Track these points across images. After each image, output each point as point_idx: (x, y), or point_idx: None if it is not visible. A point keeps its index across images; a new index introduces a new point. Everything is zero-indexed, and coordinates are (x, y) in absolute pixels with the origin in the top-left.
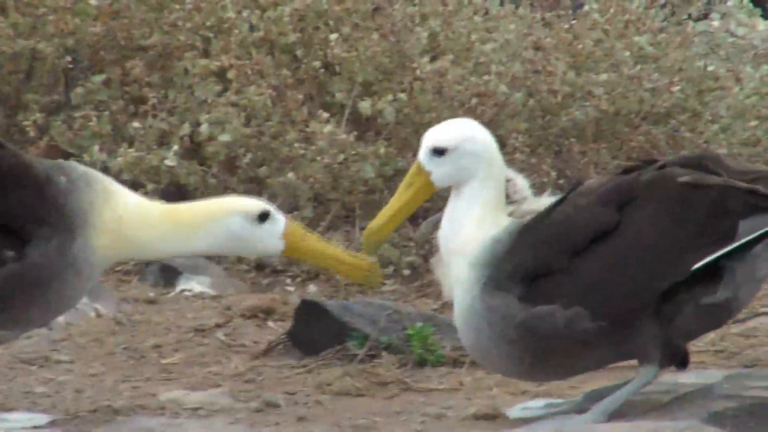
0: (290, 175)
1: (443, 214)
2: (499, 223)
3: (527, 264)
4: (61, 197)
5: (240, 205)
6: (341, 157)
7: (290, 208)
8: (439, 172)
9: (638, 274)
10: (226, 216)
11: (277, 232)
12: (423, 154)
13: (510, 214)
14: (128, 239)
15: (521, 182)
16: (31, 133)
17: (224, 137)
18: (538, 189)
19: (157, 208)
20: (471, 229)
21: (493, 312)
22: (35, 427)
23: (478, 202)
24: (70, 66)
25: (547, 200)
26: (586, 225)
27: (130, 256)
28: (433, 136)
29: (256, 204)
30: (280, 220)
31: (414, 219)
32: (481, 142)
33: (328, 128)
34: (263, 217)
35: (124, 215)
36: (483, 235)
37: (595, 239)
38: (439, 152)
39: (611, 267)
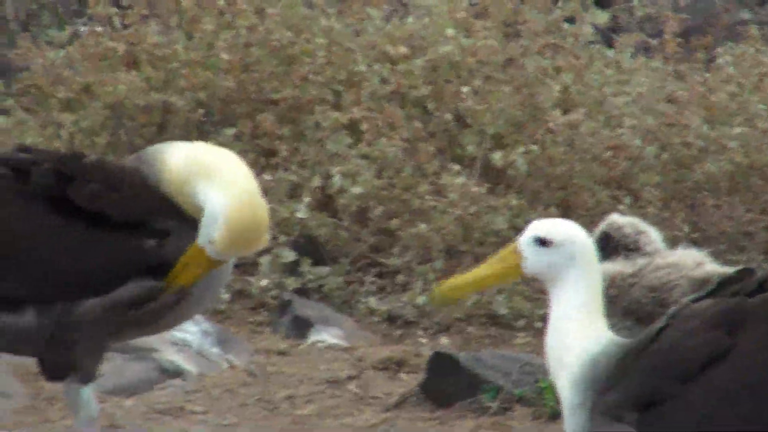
0: (420, 228)
1: None
2: (598, 335)
3: (639, 391)
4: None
5: None
6: (473, 209)
7: (422, 260)
8: (535, 260)
9: (754, 400)
10: None
11: None
12: (525, 239)
13: (642, 268)
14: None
15: (653, 235)
16: None
17: (356, 189)
18: (671, 243)
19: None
20: (569, 340)
21: None
22: None
23: (574, 308)
24: (202, 119)
25: (678, 253)
26: (697, 350)
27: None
28: (542, 226)
29: None
30: None
31: None
32: (582, 246)
33: (459, 180)
34: None
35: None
36: (581, 350)
37: (707, 364)
38: (542, 242)
39: (726, 393)
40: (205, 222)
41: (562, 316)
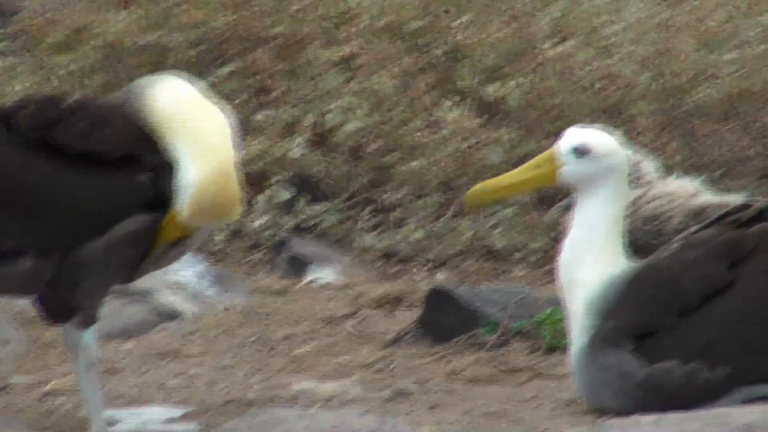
0: (416, 163)
1: (571, 200)
2: (617, 258)
3: (636, 321)
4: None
5: None
6: (467, 143)
7: (417, 196)
8: (572, 169)
9: (757, 331)
10: None
11: None
12: (563, 147)
13: (638, 199)
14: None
15: (648, 166)
16: None
17: (350, 126)
18: (666, 171)
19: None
20: (593, 260)
21: (608, 371)
22: (169, 420)
23: (604, 224)
24: (197, 57)
25: (673, 183)
26: (698, 283)
27: None
28: (581, 135)
29: None
30: None
31: (542, 204)
32: (619, 159)
33: (453, 115)
34: None
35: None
36: (601, 273)
37: (707, 297)
38: (581, 152)
39: (728, 326)
40: (177, 188)
41: (586, 230)
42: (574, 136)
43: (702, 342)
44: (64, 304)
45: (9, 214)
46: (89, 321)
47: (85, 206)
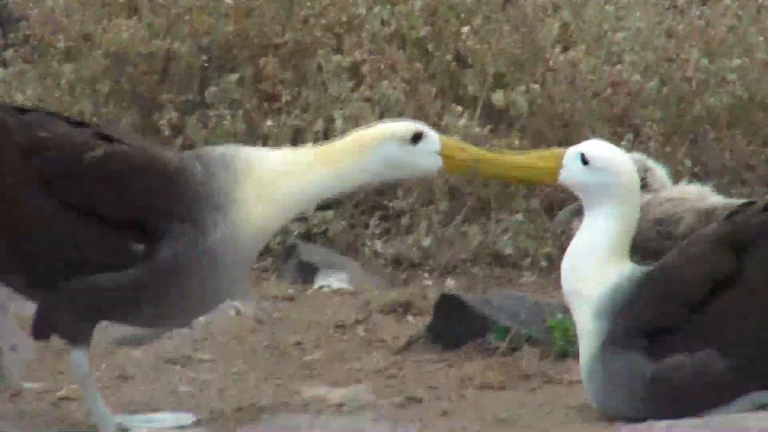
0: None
1: (578, 205)
2: (622, 266)
3: (647, 319)
4: (195, 186)
5: (391, 130)
6: None
7: (425, 202)
8: (571, 173)
9: (763, 323)
10: (378, 145)
11: (432, 149)
12: (572, 150)
13: (648, 203)
14: (280, 195)
15: (659, 172)
16: (167, 133)
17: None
18: (674, 178)
19: (306, 154)
20: (593, 271)
21: (618, 375)
22: (181, 427)
23: (605, 237)
24: (205, 65)
25: (683, 188)
26: (704, 275)
27: (287, 214)
28: (591, 145)
29: (406, 126)
30: (433, 137)
31: (550, 210)
32: (620, 179)
33: (461, 122)
34: (417, 137)
35: (268, 175)
36: (604, 281)
37: (715, 289)
38: (585, 161)
39: (737, 318)
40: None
41: (583, 245)
42: (586, 144)
43: (712, 335)
44: (45, 322)
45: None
46: (76, 342)
47: (73, 253)
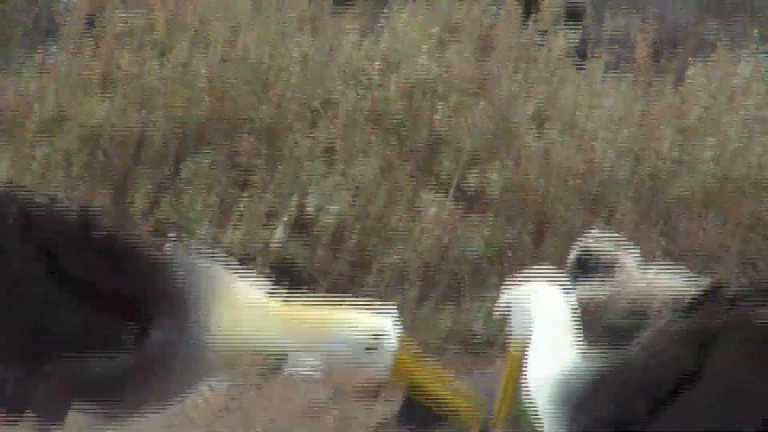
0: (396, 256)
1: None
2: (565, 358)
3: (612, 412)
4: (180, 285)
5: (350, 331)
6: (447, 237)
7: (397, 287)
8: (515, 327)
9: (723, 420)
10: (334, 339)
11: (383, 363)
12: (504, 301)
13: (618, 293)
14: (246, 346)
15: (630, 263)
16: (141, 207)
17: (329, 217)
18: (647, 258)
19: (276, 315)
20: (536, 367)
21: None
22: None
23: (541, 342)
24: (179, 141)
25: (652, 277)
26: (667, 370)
27: (241, 357)
28: (500, 303)
29: (366, 331)
30: (388, 351)
31: None
32: (525, 307)
33: (434, 210)
34: (371, 348)
35: (240, 315)
36: (548, 373)
37: (679, 383)
38: (507, 312)
39: (696, 413)
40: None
41: (533, 349)
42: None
43: (675, 430)
44: (18, 397)
45: None
46: (46, 423)
47: (60, 328)
